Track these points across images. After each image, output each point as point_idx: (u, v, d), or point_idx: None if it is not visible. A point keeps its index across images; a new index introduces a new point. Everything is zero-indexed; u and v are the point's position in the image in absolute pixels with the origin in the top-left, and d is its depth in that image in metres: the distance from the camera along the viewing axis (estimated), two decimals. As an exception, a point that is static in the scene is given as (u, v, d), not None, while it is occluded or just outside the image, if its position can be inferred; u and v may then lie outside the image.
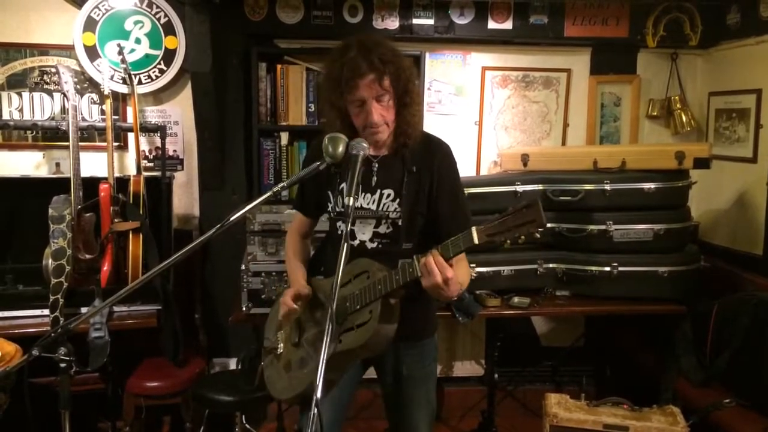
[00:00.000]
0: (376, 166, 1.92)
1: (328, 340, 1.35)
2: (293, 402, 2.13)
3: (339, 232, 1.98)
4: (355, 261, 1.83)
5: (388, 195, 1.91)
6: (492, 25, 3.46)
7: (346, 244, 1.52)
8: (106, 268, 2.99)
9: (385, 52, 1.82)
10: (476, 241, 1.57)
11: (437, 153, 1.94)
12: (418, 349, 2.04)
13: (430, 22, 3.43)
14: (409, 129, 1.89)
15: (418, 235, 1.94)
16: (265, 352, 2.14)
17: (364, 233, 1.93)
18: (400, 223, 1.91)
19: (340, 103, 1.85)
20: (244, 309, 2.93)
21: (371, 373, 2.13)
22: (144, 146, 3.39)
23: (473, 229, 1.58)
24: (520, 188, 3.17)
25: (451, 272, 1.62)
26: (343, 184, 1.92)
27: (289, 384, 1.97)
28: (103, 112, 3.28)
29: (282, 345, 2.05)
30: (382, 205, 1.91)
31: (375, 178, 1.91)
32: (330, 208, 2.00)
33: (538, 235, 1.52)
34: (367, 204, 1.93)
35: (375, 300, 1.72)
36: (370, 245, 1.93)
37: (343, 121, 1.88)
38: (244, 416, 2.99)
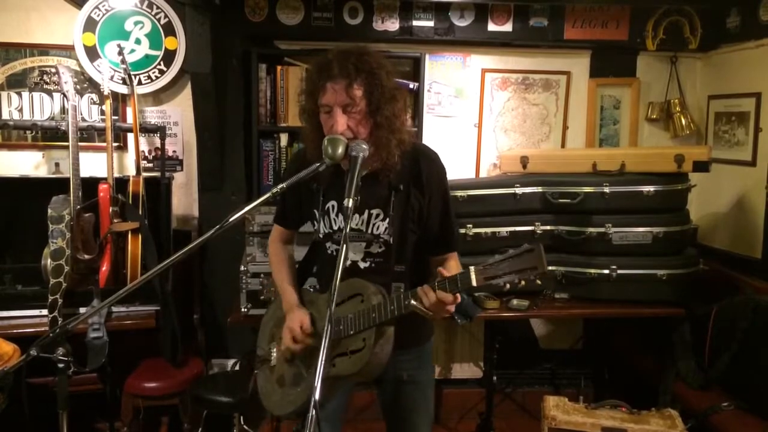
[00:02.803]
0: (360, 184, 1.81)
1: (326, 343, 1.33)
2: (286, 418, 2.11)
3: (329, 252, 1.93)
4: (349, 281, 1.79)
5: (377, 215, 1.85)
6: (492, 27, 3.46)
7: (344, 247, 1.48)
8: (104, 268, 2.99)
9: (366, 61, 1.71)
10: (474, 283, 1.54)
11: (425, 167, 1.85)
12: (415, 354, 2.01)
13: (430, 24, 3.43)
14: (381, 151, 1.75)
15: (410, 255, 1.89)
16: (257, 360, 2.10)
17: (355, 253, 1.87)
18: (391, 243, 1.85)
19: (311, 106, 1.78)
20: (243, 310, 2.93)
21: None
22: (143, 147, 3.39)
23: (472, 270, 1.55)
24: (519, 190, 3.17)
25: (453, 309, 1.63)
26: (329, 204, 1.89)
27: (283, 400, 1.94)
28: (102, 113, 3.28)
29: (275, 357, 2.02)
30: (371, 225, 1.85)
31: (360, 198, 1.78)
32: (317, 228, 1.93)
33: (539, 282, 1.49)
34: (356, 225, 1.85)
35: (369, 328, 1.69)
36: (362, 264, 1.88)
37: (312, 125, 1.81)
38: (242, 417, 2.99)
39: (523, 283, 1.49)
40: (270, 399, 2.00)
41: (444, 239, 1.91)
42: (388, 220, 1.84)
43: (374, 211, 1.85)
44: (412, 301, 1.64)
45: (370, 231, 1.86)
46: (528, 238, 3.16)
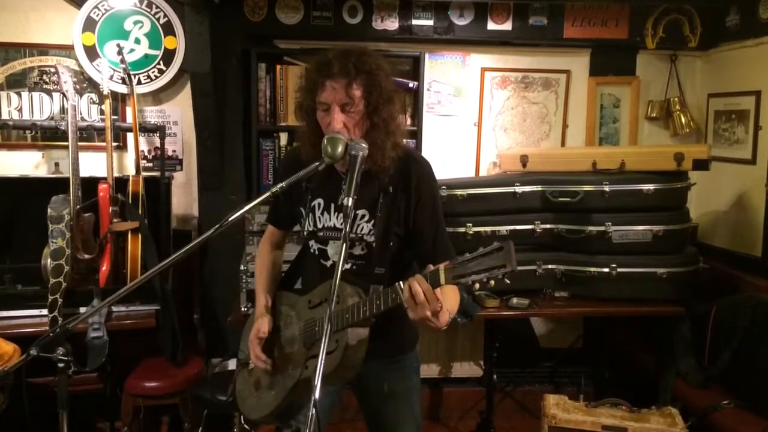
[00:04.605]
0: (359, 183, 1.71)
1: (326, 342, 1.32)
2: (260, 422, 2.07)
3: (312, 251, 1.92)
4: (327, 283, 1.76)
5: (362, 216, 1.82)
6: (491, 26, 3.46)
7: (344, 246, 1.47)
8: (104, 268, 2.99)
9: (365, 61, 1.70)
10: (443, 282, 1.49)
11: (415, 173, 1.83)
12: (398, 364, 1.98)
13: (430, 23, 3.43)
14: (376, 153, 1.72)
15: (391, 259, 1.85)
16: (238, 363, 2.10)
17: (337, 254, 1.78)
18: (374, 246, 1.82)
19: (308, 104, 1.76)
20: (243, 309, 2.93)
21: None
22: (143, 146, 3.39)
23: (441, 268, 1.50)
24: (519, 189, 3.17)
25: (441, 304, 1.50)
26: (315, 202, 1.88)
27: (257, 404, 1.93)
28: (102, 112, 3.28)
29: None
30: (356, 226, 1.82)
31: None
32: (302, 226, 1.92)
33: (508, 281, 1.45)
34: (341, 224, 1.77)
35: (342, 329, 1.66)
36: (344, 266, 1.81)
37: (309, 124, 1.80)
38: (242, 417, 2.98)
39: (492, 283, 1.45)
40: (245, 402, 1.99)
41: (436, 248, 1.85)
42: (373, 221, 1.82)
43: (360, 212, 1.83)
44: (399, 289, 1.57)
45: (354, 232, 1.83)
46: (528, 237, 3.17)
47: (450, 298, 1.67)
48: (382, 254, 1.84)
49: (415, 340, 2.06)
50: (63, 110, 3.25)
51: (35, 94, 3.28)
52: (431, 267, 1.55)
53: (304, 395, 1.80)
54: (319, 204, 1.88)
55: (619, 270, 3.08)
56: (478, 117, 3.63)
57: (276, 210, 2.07)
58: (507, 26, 3.47)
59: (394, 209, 1.83)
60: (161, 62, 3.29)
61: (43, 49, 3.26)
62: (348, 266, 1.85)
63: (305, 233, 1.92)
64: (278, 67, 3.35)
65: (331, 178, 1.83)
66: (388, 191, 1.82)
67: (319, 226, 1.89)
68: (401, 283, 1.56)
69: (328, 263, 1.89)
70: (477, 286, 1.46)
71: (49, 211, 2.85)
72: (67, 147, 2.98)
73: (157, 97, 3.39)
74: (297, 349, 1.85)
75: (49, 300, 2.77)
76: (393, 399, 1.98)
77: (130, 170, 3.34)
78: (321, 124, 1.76)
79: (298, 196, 1.92)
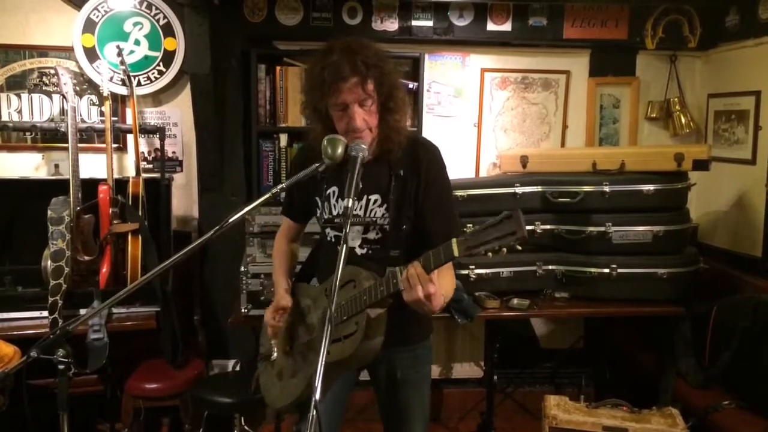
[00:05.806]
0: (361, 171, 1.77)
1: (327, 341, 1.34)
2: (286, 410, 2.13)
3: (329, 239, 1.96)
4: (345, 268, 1.78)
5: (375, 200, 1.87)
6: (491, 26, 3.46)
7: (344, 246, 1.50)
8: (105, 269, 2.99)
9: (369, 56, 1.76)
10: (456, 253, 1.53)
11: (425, 156, 1.89)
12: (412, 353, 2.01)
13: (429, 23, 3.43)
14: (393, 135, 1.83)
15: (406, 241, 1.89)
16: (260, 357, 2.14)
17: (353, 239, 1.89)
18: (388, 229, 1.87)
19: (322, 106, 1.80)
20: (243, 311, 2.93)
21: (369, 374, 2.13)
22: (143, 148, 3.39)
23: (453, 241, 1.54)
24: (519, 190, 3.17)
25: (434, 287, 1.56)
26: (330, 190, 1.92)
27: (281, 392, 1.97)
28: (102, 114, 3.28)
29: (276, 352, 2.05)
30: (369, 210, 1.87)
31: (360, 184, 1.76)
32: (318, 215, 1.97)
33: (519, 247, 1.49)
34: (355, 210, 1.87)
35: (361, 311, 1.69)
36: (359, 251, 1.90)
37: (324, 125, 1.84)
38: (243, 418, 2.99)
39: (504, 250, 1.49)
40: (270, 393, 2.04)
41: (441, 226, 1.87)
42: (386, 205, 1.86)
43: (373, 197, 1.87)
44: (400, 271, 1.61)
45: (368, 216, 1.88)
46: (528, 237, 3.16)
47: (445, 283, 1.74)
48: (396, 237, 1.88)
49: (430, 329, 2.09)
50: (63, 112, 3.25)
51: (35, 96, 3.28)
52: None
53: (330, 380, 1.84)
54: (334, 192, 1.93)
55: (619, 270, 3.08)
56: (478, 118, 3.63)
57: (290, 202, 2.12)
58: (507, 27, 3.47)
59: (405, 192, 1.87)
60: (161, 63, 3.29)
61: (42, 51, 3.26)
62: (363, 251, 1.90)
63: (322, 221, 1.97)
64: (278, 68, 3.34)
65: (345, 167, 1.85)
66: (399, 174, 1.86)
67: (334, 213, 1.93)
68: (400, 267, 1.62)
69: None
70: (490, 255, 1.50)
71: (49, 212, 2.85)
72: (67, 149, 2.98)
73: (157, 98, 3.39)
74: (317, 336, 1.88)
75: (50, 302, 2.78)
76: (405, 387, 2.01)
77: (130, 172, 3.34)
78: (338, 124, 1.80)
79: (313, 187, 1.96)
